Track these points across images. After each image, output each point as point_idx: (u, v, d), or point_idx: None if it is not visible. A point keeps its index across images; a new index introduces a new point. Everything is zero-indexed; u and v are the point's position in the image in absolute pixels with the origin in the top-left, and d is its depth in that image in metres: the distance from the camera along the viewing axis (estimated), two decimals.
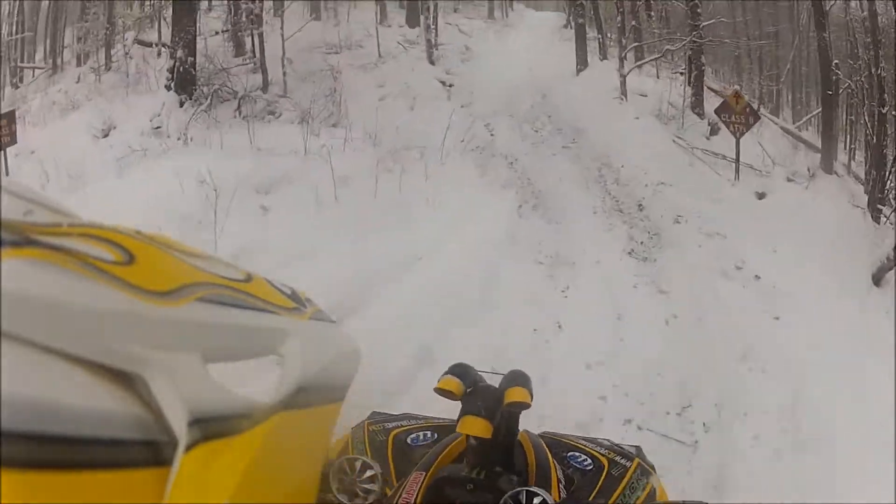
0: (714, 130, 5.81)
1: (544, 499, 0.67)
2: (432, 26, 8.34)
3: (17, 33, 6.64)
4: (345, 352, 0.83)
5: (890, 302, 3.40)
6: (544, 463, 0.90)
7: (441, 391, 0.83)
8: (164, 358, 0.43)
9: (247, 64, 6.10)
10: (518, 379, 0.85)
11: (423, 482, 0.81)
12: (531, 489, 0.69)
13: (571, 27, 11.67)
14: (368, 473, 0.75)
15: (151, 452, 0.42)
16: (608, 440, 1.13)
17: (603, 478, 1.00)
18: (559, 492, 0.87)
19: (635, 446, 1.14)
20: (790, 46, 7.46)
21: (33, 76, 6.65)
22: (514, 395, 0.82)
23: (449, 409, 0.89)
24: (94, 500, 0.37)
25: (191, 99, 5.28)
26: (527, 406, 0.83)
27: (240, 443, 0.50)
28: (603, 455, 1.06)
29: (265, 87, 5.85)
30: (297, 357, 0.62)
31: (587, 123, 6.23)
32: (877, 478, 1.92)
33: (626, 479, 1.01)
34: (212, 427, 0.47)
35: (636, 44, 7.63)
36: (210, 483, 0.45)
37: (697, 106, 6.30)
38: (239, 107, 5.41)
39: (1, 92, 5.93)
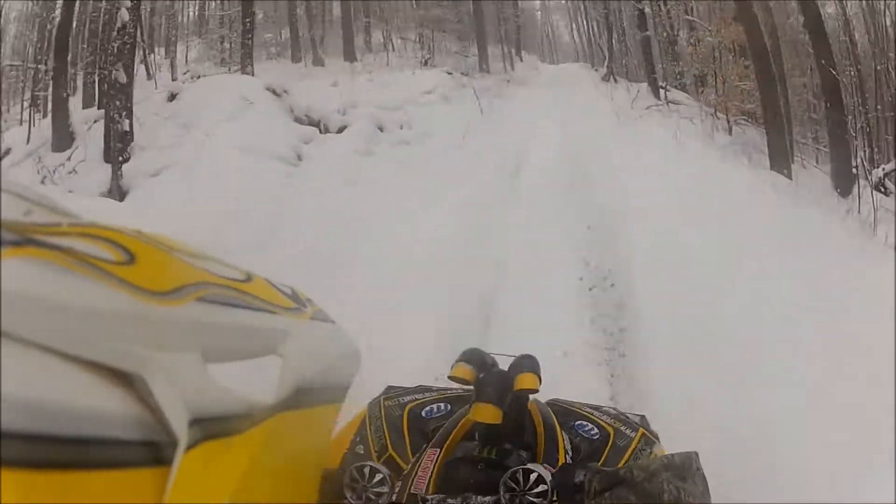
0: None
1: (539, 474, 0.69)
2: None
3: None
4: (345, 352, 0.83)
5: None
6: (552, 435, 0.93)
7: (455, 378, 0.87)
8: (164, 358, 0.43)
9: None
10: (527, 364, 0.89)
11: (437, 460, 0.84)
12: (527, 466, 0.71)
13: (614, 79, 10.50)
14: (378, 478, 0.77)
15: (151, 452, 0.42)
16: (614, 408, 1.15)
17: (609, 448, 1.03)
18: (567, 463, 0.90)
19: (640, 415, 1.16)
20: None
21: None
22: (524, 381, 0.86)
23: None
24: (94, 500, 0.37)
25: None
26: (535, 391, 0.87)
27: (240, 443, 0.50)
28: (609, 424, 1.08)
29: None
30: (297, 357, 0.62)
31: None
32: None
33: (630, 449, 1.03)
34: (212, 427, 0.47)
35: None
36: (210, 483, 0.45)
37: None
38: None
39: None
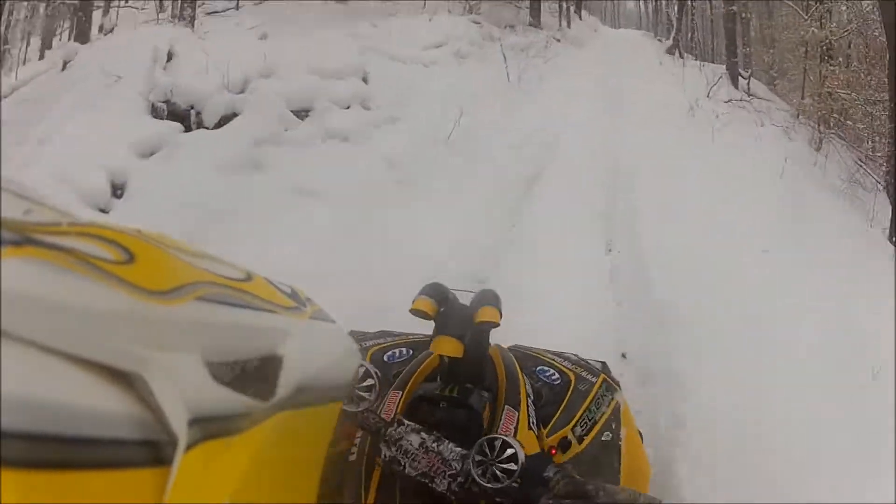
0: None
1: (516, 452, 0.69)
2: None
3: None
4: (345, 351, 0.83)
5: None
6: (514, 378, 0.93)
7: (416, 311, 0.87)
8: (164, 357, 0.43)
9: None
10: (488, 298, 0.89)
11: (399, 402, 0.85)
12: (506, 438, 0.71)
13: (680, 55, 9.23)
14: (368, 382, 0.77)
15: (151, 452, 0.42)
16: (576, 355, 1.16)
17: (570, 392, 1.04)
18: (527, 407, 0.91)
19: (601, 361, 1.18)
20: None
21: None
22: (484, 314, 0.86)
23: (425, 326, 0.93)
24: (94, 500, 0.37)
25: None
26: (496, 325, 0.87)
27: (240, 443, 0.50)
28: (570, 370, 1.09)
29: None
30: (297, 356, 0.62)
31: None
32: None
33: (591, 395, 1.04)
34: (212, 427, 0.47)
35: None
36: (210, 483, 0.45)
37: None
38: None
39: None
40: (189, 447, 0.43)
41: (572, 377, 1.06)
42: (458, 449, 0.74)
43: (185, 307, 0.45)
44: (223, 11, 7.56)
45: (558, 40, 9.60)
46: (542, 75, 7.22)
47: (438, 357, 0.88)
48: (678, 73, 8.29)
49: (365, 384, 0.78)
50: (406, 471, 0.74)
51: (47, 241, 0.37)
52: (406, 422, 0.77)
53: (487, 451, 0.70)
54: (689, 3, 12.33)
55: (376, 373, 0.78)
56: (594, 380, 1.07)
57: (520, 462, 0.69)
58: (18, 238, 0.35)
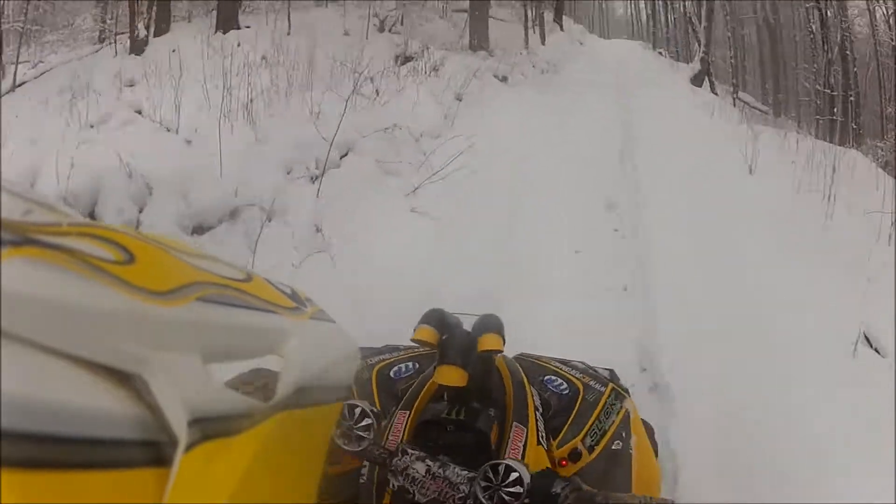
0: None
1: (520, 475, 0.69)
2: None
3: None
4: (345, 352, 0.83)
5: None
6: (521, 391, 0.93)
7: (417, 341, 0.86)
8: (164, 358, 0.43)
9: None
10: (490, 324, 0.88)
11: (406, 423, 0.86)
12: (509, 463, 0.71)
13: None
14: (366, 422, 0.78)
15: (151, 452, 0.42)
16: (583, 363, 1.15)
17: (579, 403, 1.02)
18: (536, 422, 0.90)
19: (609, 369, 1.16)
20: None
21: None
22: (488, 342, 0.85)
23: None
24: (94, 500, 0.37)
25: None
26: (499, 352, 0.86)
27: (240, 443, 0.50)
28: (578, 379, 1.07)
29: None
30: (297, 357, 0.62)
31: None
32: None
33: (601, 405, 1.03)
34: (212, 427, 0.47)
35: None
36: (210, 483, 0.45)
37: None
38: None
39: None
40: (189, 447, 0.43)
41: (580, 387, 1.05)
42: (465, 472, 0.74)
43: (185, 308, 0.45)
44: None
45: (503, 80, 5.49)
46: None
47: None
48: (744, 147, 4.33)
49: (363, 423, 0.78)
50: (416, 498, 0.74)
51: (47, 241, 0.37)
52: (410, 450, 0.77)
53: (492, 476, 0.70)
54: (721, 2, 7.91)
55: (373, 410, 0.78)
56: (602, 389, 1.06)
57: (525, 484, 0.69)
58: (18, 238, 0.35)
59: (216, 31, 7.32)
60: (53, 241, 0.37)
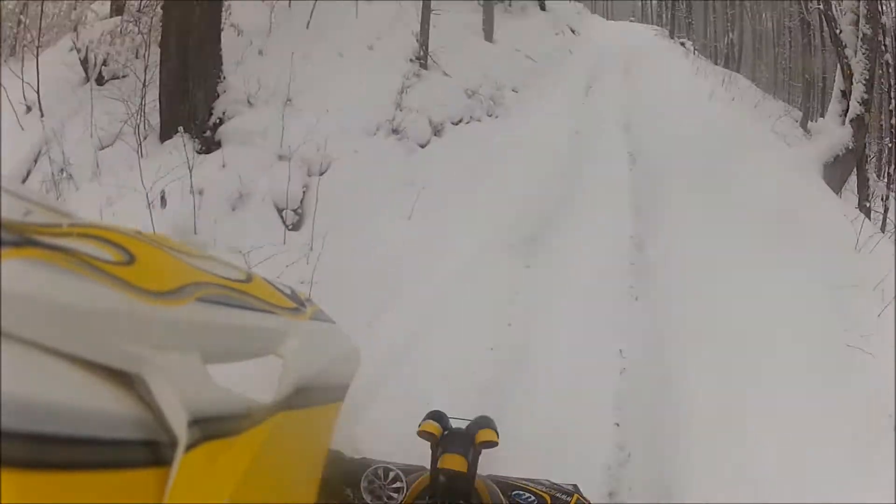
0: None
1: None
2: None
3: None
4: (344, 352, 0.83)
5: None
6: (497, 500, 1.03)
7: (423, 434, 0.97)
8: (164, 358, 0.43)
9: None
10: (486, 422, 1.01)
11: None
12: None
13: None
14: (397, 484, 0.88)
15: (151, 452, 0.42)
16: (548, 480, 1.26)
17: None
18: None
19: (572, 484, 1.26)
20: None
21: None
22: (485, 435, 0.97)
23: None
24: (94, 501, 0.37)
25: None
26: (496, 444, 0.97)
27: (240, 443, 0.50)
28: (545, 493, 1.17)
29: None
30: (296, 357, 0.63)
31: None
32: None
33: None
34: (212, 427, 0.47)
35: None
36: (210, 483, 0.45)
37: None
38: None
39: None
40: (189, 447, 0.43)
41: (548, 498, 1.15)
42: None
43: (184, 308, 0.45)
44: None
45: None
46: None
47: (431, 478, 0.97)
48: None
49: (395, 486, 0.89)
50: None
51: (48, 242, 0.37)
52: None
53: None
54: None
55: (401, 474, 0.87)
56: (568, 499, 1.16)
57: None
58: (19, 239, 0.35)
59: None
60: (53, 242, 0.37)
